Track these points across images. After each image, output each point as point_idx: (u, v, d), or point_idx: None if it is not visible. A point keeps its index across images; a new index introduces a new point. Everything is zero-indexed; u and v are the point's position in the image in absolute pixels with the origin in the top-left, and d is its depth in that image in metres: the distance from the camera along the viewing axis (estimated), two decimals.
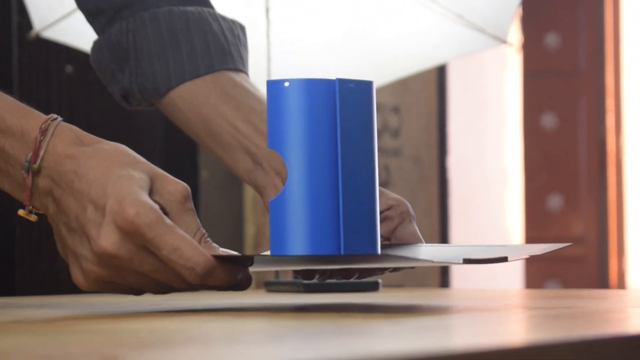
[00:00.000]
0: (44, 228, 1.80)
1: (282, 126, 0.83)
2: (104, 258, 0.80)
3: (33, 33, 1.60)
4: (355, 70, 1.64)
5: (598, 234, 4.19)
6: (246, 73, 1.06)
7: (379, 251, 0.86)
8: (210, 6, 1.09)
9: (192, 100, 1.03)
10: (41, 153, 0.83)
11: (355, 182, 0.85)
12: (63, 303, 0.98)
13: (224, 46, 1.05)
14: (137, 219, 0.79)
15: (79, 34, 1.58)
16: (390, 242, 0.92)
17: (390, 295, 1.11)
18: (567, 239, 4.08)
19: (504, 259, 0.80)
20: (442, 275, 2.51)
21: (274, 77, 1.57)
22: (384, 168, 2.40)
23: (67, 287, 1.78)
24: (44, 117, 0.85)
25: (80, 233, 0.81)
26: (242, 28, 1.09)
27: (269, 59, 1.56)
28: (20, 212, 0.85)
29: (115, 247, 0.79)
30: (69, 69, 1.76)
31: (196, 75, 1.03)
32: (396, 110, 2.44)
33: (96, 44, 1.07)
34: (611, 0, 4.19)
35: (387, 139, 2.40)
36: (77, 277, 0.82)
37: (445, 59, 1.84)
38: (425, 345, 0.56)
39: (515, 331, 0.68)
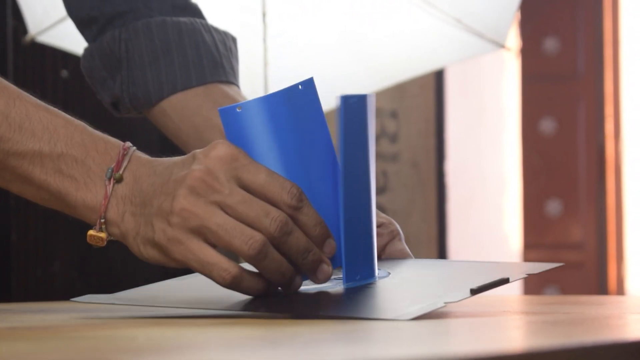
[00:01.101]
0: (40, 233, 1.80)
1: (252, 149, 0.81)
2: (195, 189, 0.79)
3: (28, 37, 1.60)
4: (352, 75, 1.64)
5: (597, 240, 4.19)
6: (237, 85, 1.08)
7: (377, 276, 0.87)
8: (202, 17, 1.10)
9: (183, 110, 1.05)
10: (125, 163, 0.84)
11: (356, 202, 0.84)
12: (59, 308, 0.98)
13: (216, 58, 1.06)
14: (230, 148, 0.80)
15: (74, 38, 1.57)
16: (380, 258, 0.93)
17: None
18: (565, 244, 4.08)
19: (505, 281, 0.81)
20: None
21: (271, 81, 1.57)
22: (382, 173, 2.39)
23: (63, 293, 1.78)
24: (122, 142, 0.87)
25: (167, 195, 0.81)
26: (234, 40, 1.11)
27: (265, 63, 1.56)
28: (91, 232, 0.84)
29: (206, 173, 0.79)
30: (64, 73, 1.76)
31: (188, 86, 1.05)
32: (394, 115, 2.43)
33: (87, 51, 1.08)
34: (610, 4, 4.19)
35: (385, 144, 2.39)
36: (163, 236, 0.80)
37: (443, 64, 1.84)
38: (423, 352, 0.55)
39: (514, 337, 0.67)
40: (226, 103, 1.03)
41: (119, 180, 0.83)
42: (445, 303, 0.77)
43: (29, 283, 1.71)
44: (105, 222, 0.83)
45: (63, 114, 0.86)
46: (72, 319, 0.82)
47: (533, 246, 4.08)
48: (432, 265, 0.94)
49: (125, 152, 0.84)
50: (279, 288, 0.83)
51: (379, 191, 2.36)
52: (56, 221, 1.71)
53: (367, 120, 0.85)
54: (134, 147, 0.85)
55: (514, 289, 3.19)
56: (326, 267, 0.83)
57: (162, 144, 1.98)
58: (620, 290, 4.15)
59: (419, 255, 2.60)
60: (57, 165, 0.84)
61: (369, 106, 0.85)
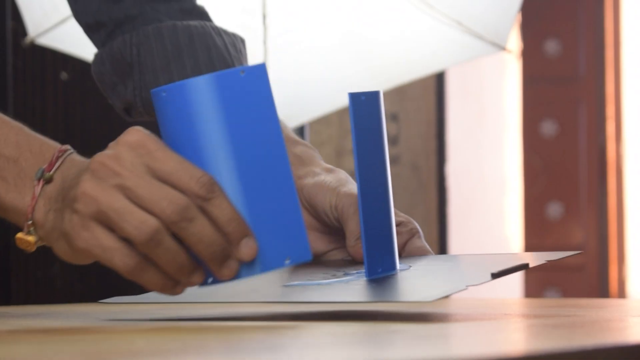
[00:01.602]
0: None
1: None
2: (96, 173, 0.75)
3: (28, 39, 1.60)
4: (353, 77, 1.63)
5: (598, 242, 4.18)
6: None
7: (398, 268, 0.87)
8: (209, 19, 1.10)
9: None
10: (57, 164, 0.80)
11: (373, 196, 0.83)
12: (58, 311, 0.97)
13: (228, 61, 1.05)
14: (140, 135, 0.76)
15: (74, 40, 1.57)
16: (400, 256, 0.92)
17: (388, 304, 1.10)
18: (567, 247, 4.08)
19: (525, 266, 0.82)
20: None
21: (271, 82, 1.56)
22: None
23: (63, 295, 1.77)
24: (59, 145, 0.83)
25: (76, 183, 0.77)
26: (243, 41, 1.10)
27: (266, 65, 1.55)
28: (19, 235, 0.81)
29: (110, 157, 0.75)
30: (64, 75, 1.76)
31: None
32: (394, 117, 2.43)
33: (98, 57, 1.07)
34: (611, 6, 4.18)
35: None
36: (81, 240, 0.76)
37: (444, 66, 1.84)
38: (424, 355, 0.55)
39: (514, 341, 0.67)
40: None
41: (48, 180, 0.80)
42: (467, 286, 0.77)
43: (28, 286, 1.71)
44: (33, 224, 0.80)
45: (1, 114, 0.84)
46: (72, 322, 0.82)
47: (534, 249, 4.08)
48: (452, 259, 0.95)
49: (60, 154, 0.80)
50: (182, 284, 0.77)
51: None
52: None
53: (379, 117, 0.85)
54: (72, 150, 0.81)
55: (515, 291, 3.18)
56: (233, 264, 0.76)
57: None
58: (622, 293, 4.15)
59: None
60: None
61: (379, 102, 0.85)
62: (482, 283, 0.78)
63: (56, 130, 1.70)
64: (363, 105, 0.83)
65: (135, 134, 0.76)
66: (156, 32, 1.05)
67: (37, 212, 0.80)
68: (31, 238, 0.80)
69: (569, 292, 4.14)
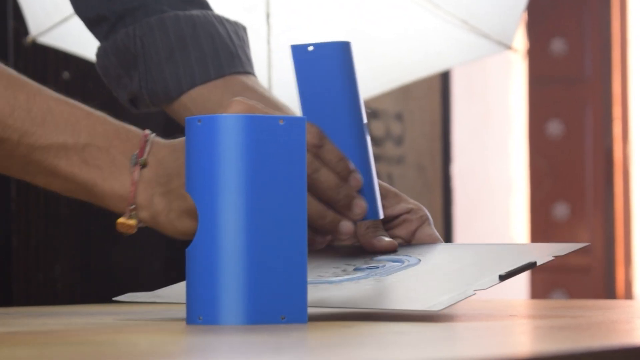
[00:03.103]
0: (41, 238, 1.79)
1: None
2: None
3: (29, 38, 1.59)
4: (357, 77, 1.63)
5: (605, 244, 4.17)
6: (254, 74, 1.09)
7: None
8: (210, 8, 1.11)
9: (204, 103, 1.06)
10: (147, 148, 0.85)
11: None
12: (60, 313, 0.97)
13: (232, 49, 1.07)
14: (243, 106, 0.81)
15: (76, 39, 1.57)
16: (410, 243, 0.95)
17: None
18: None
19: (533, 265, 0.83)
20: None
21: (275, 82, 1.55)
22: (387, 176, 2.38)
23: (64, 297, 1.77)
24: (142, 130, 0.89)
25: None
26: (244, 29, 1.11)
27: (269, 65, 1.55)
28: (121, 220, 0.85)
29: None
30: (65, 74, 1.75)
31: (207, 79, 1.06)
32: (399, 117, 2.42)
33: (101, 50, 1.08)
34: (618, 5, 4.17)
35: (390, 146, 2.38)
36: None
37: (449, 65, 1.83)
38: (429, 356, 0.55)
39: (520, 342, 0.67)
40: (246, 94, 1.04)
41: (144, 165, 0.85)
42: (475, 291, 0.79)
43: (30, 287, 1.71)
44: (135, 209, 0.85)
45: (83, 106, 0.88)
46: (74, 324, 0.82)
47: None
48: (460, 250, 0.94)
49: (146, 139, 0.86)
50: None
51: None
52: (57, 226, 1.70)
53: (337, 71, 0.84)
54: (153, 133, 0.87)
55: (521, 292, 3.17)
56: (360, 201, 0.84)
57: (168, 138, 1.97)
58: (628, 295, 4.13)
59: None
60: (82, 156, 0.86)
61: (338, 55, 0.84)
62: (490, 287, 0.80)
63: None
64: (308, 58, 0.84)
65: (239, 107, 0.82)
66: (159, 23, 1.06)
67: (140, 196, 0.85)
68: (133, 221, 0.85)
69: (575, 293, 4.13)
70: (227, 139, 0.77)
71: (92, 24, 1.09)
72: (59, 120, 0.86)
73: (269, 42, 1.55)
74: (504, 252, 0.89)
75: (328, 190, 0.83)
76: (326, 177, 0.83)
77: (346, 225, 0.84)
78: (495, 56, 1.98)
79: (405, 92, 2.40)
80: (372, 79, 1.63)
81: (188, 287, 0.78)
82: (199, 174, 0.77)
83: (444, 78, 2.52)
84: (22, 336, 0.71)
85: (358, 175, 0.85)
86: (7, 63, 1.69)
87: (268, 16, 1.56)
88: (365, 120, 0.89)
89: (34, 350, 0.60)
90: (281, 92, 1.57)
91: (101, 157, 0.86)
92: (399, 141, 2.41)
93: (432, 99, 2.50)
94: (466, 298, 0.78)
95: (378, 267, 0.89)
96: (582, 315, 0.87)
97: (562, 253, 0.86)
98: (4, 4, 1.71)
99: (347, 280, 0.86)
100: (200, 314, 0.77)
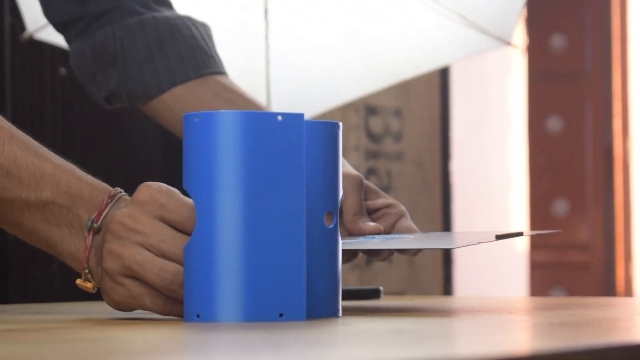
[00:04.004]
0: None
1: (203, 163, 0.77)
2: (117, 233, 0.82)
3: (26, 34, 1.58)
4: (355, 73, 1.62)
5: (604, 240, 4.16)
6: (228, 75, 1.14)
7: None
8: (174, 9, 1.16)
9: (185, 101, 1.10)
10: (105, 212, 0.84)
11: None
12: (57, 310, 0.98)
13: (207, 50, 1.12)
14: (150, 190, 0.82)
15: None
16: (389, 234, 1.02)
17: (392, 303, 1.11)
18: (572, 245, 4.07)
19: (520, 234, 0.91)
20: (444, 283, 2.48)
21: (273, 79, 1.55)
22: (386, 172, 2.37)
23: (61, 294, 1.76)
24: (110, 188, 0.88)
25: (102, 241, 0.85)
26: (210, 29, 1.16)
27: (267, 61, 1.55)
28: (78, 281, 0.85)
29: (127, 217, 0.81)
30: (62, 71, 1.75)
31: (186, 79, 1.10)
32: (398, 113, 2.41)
33: (78, 48, 1.12)
34: (618, 1, 4.16)
35: (389, 142, 2.37)
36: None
37: (448, 61, 1.82)
38: (428, 354, 0.55)
39: (520, 340, 0.67)
40: (227, 94, 1.09)
41: (97, 231, 0.84)
42: (479, 242, 0.85)
43: (27, 284, 1.70)
44: (90, 272, 0.84)
45: (52, 156, 0.87)
46: (71, 321, 0.82)
47: (539, 246, 4.06)
48: (443, 233, 1.01)
49: (109, 201, 0.84)
50: None
51: (383, 191, 2.34)
52: None
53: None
54: (122, 193, 0.85)
55: (520, 290, 3.17)
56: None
57: (163, 142, 1.96)
58: (628, 292, 4.13)
59: (423, 256, 2.55)
60: (44, 214, 0.85)
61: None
62: (494, 241, 0.87)
63: (54, 126, 1.69)
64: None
65: (146, 191, 0.81)
66: (138, 25, 1.10)
67: (91, 261, 0.84)
68: (89, 285, 0.85)
69: (574, 290, 4.12)
70: (225, 135, 0.76)
71: (64, 26, 1.12)
72: (24, 174, 0.85)
73: (267, 38, 1.54)
74: (482, 232, 0.95)
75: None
76: (152, 300, 0.81)
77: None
78: (494, 52, 1.97)
79: (404, 89, 2.39)
80: (371, 75, 1.62)
81: (185, 284, 0.78)
82: (196, 170, 0.77)
83: (443, 74, 2.52)
84: (18, 333, 0.71)
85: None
86: (3, 59, 1.69)
87: (266, 12, 1.55)
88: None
89: (30, 347, 0.60)
90: (279, 89, 1.56)
91: (62, 216, 0.85)
92: (397, 137, 2.40)
93: (431, 95, 2.49)
94: (487, 242, 0.86)
95: (388, 237, 0.96)
96: (581, 313, 0.87)
97: (533, 233, 0.96)
98: (0, 0, 1.71)
99: (377, 239, 0.91)
100: (198, 311, 0.77)
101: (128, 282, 0.81)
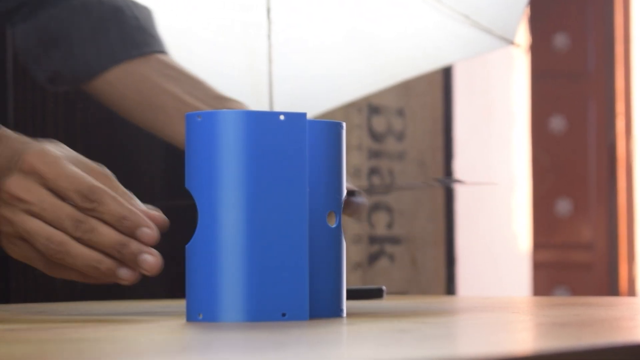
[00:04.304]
0: None
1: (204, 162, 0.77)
2: (9, 200, 0.84)
3: None
4: (357, 72, 1.62)
5: (608, 240, 4.16)
6: (169, 54, 1.16)
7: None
8: None
9: (128, 79, 1.12)
10: None
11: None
12: (58, 310, 0.98)
13: (149, 31, 1.15)
14: (34, 158, 0.84)
15: None
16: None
17: (395, 302, 1.11)
18: (575, 244, 4.06)
19: (460, 181, 0.91)
20: (447, 283, 2.48)
21: (275, 78, 1.55)
22: (388, 172, 2.37)
23: (63, 294, 1.76)
24: None
25: None
26: (152, 12, 1.18)
27: (270, 61, 1.54)
28: None
29: (14, 186, 0.84)
30: None
31: (128, 57, 1.13)
32: (401, 113, 2.41)
33: (23, 31, 1.14)
34: (621, 0, 4.16)
35: (392, 142, 2.37)
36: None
37: (450, 61, 1.82)
38: (431, 354, 0.55)
39: (523, 339, 0.67)
40: (170, 71, 1.12)
41: None
42: (437, 180, 0.85)
43: (28, 284, 1.70)
44: None
45: None
46: (73, 321, 0.82)
47: (542, 246, 4.06)
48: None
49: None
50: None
51: (386, 189, 2.34)
52: None
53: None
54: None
55: (523, 289, 3.17)
56: (149, 257, 0.83)
57: (166, 152, 1.96)
58: (632, 292, 4.12)
59: (426, 256, 2.55)
60: None
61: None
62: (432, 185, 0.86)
63: (57, 126, 1.69)
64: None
65: (30, 161, 0.83)
66: (82, 6, 1.13)
67: None
68: None
69: (578, 290, 4.12)
70: (227, 134, 0.76)
71: (10, 13, 1.14)
72: None
73: (269, 37, 1.54)
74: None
75: (108, 249, 0.83)
76: (101, 238, 0.83)
77: (124, 272, 0.85)
78: (497, 51, 1.96)
79: (406, 88, 2.39)
80: (374, 75, 1.62)
81: (188, 284, 0.78)
82: (198, 169, 0.77)
83: (446, 73, 2.51)
84: (20, 333, 0.71)
85: (146, 229, 0.83)
86: (5, 59, 1.68)
87: (269, 11, 1.55)
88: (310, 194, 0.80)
89: (32, 347, 0.60)
90: (281, 89, 1.56)
91: None
92: (400, 137, 2.40)
93: (434, 94, 2.49)
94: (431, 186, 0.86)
95: None
96: (584, 312, 0.87)
97: (467, 184, 0.97)
98: None
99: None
100: (200, 311, 0.77)
101: (21, 244, 0.85)
